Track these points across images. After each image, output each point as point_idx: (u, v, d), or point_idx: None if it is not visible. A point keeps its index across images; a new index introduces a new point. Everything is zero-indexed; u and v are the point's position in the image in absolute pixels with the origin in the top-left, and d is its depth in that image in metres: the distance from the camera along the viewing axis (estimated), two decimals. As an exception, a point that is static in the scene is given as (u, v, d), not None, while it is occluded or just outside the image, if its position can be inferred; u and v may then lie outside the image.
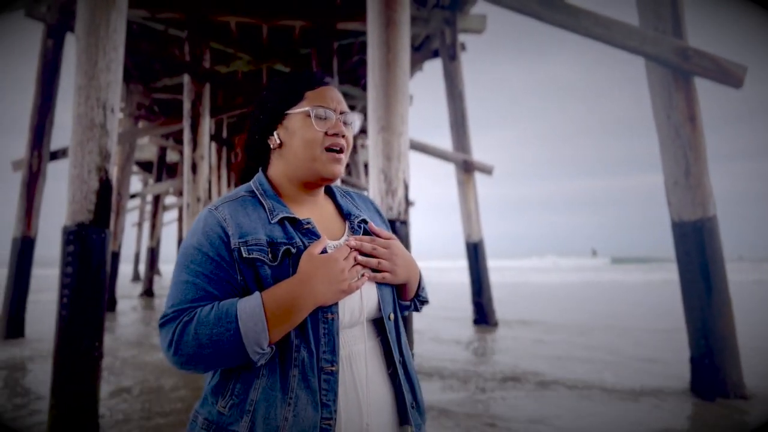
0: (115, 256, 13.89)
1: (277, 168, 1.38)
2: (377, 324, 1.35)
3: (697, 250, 5.13)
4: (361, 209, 1.47)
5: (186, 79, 10.23)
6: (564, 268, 44.68)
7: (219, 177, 17.31)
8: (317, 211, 1.38)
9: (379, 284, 1.32)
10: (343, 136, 1.35)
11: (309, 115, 1.32)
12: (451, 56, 10.83)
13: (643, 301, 16.76)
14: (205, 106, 10.30)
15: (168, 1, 9.91)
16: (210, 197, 16.30)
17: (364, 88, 13.40)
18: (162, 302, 16.41)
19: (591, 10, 5.08)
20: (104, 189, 4.57)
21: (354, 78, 13.14)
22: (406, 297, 1.41)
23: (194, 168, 10.09)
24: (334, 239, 1.34)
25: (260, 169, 1.41)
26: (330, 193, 1.46)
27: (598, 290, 21.79)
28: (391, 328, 1.34)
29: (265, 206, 1.30)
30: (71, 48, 12.38)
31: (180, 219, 27.72)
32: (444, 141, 12.07)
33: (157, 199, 20.01)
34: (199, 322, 1.18)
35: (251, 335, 1.15)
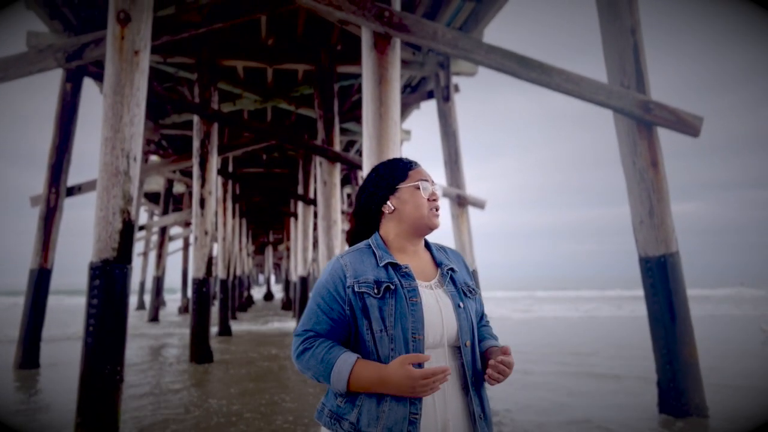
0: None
1: (387, 228, 1.83)
2: (458, 348, 1.72)
3: (661, 283, 5.64)
4: (452, 261, 1.87)
5: (195, 119, 10.88)
6: (559, 299, 44.85)
7: (225, 209, 17.88)
8: (417, 260, 1.81)
9: (459, 315, 1.71)
10: (437, 200, 1.85)
11: (418, 188, 1.81)
12: (445, 98, 11.47)
13: (617, 332, 17.16)
14: (213, 144, 10.92)
15: (180, 47, 10.59)
16: (216, 229, 16.85)
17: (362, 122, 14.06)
18: (167, 329, 16.88)
19: (562, 68, 5.68)
20: (127, 229, 5.13)
21: (355, 116, 13.79)
22: None
23: (202, 203, 10.66)
24: (426, 281, 1.76)
25: (375, 231, 1.85)
26: (428, 247, 1.89)
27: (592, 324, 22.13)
28: (467, 353, 1.70)
29: (376, 255, 1.74)
30: (87, 89, 13.09)
31: (186, 249, 28.29)
32: (441, 171, 12.64)
33: (163, 230, 20.56)
34: (312, 354, 1.66)
35: (335, 384, 1.62)
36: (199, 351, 10.35)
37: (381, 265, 1.72)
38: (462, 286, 1.80)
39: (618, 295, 46.62)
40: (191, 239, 10.87)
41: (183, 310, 25.74)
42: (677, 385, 5.55)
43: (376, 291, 1.66)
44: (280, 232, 40.94)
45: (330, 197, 10.63)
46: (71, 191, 10.85)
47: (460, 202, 11.37)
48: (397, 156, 5.65)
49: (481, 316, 1.95)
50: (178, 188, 23.93)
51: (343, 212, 18.35)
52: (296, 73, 12.54)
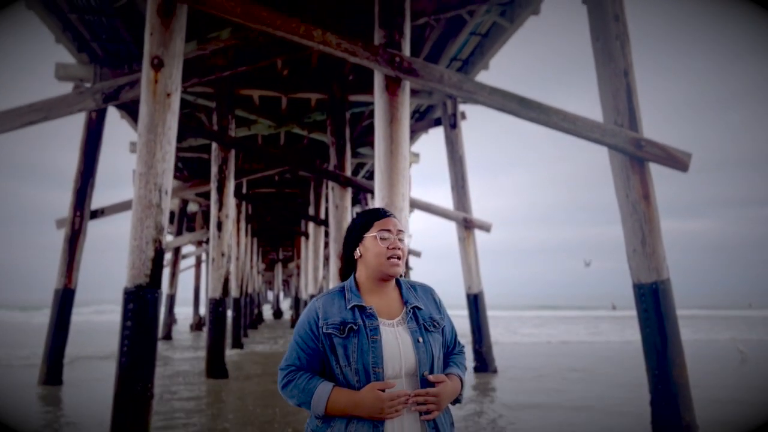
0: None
1: (360, 271, 2.06)
2: (417, 378, 1.93)
3: (653, 308, 6.02)
4: (419, 298, 2.07)
5: (213, 145, 11.40)
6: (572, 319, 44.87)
7: (238, 229, 18.38)
8: (385, 299, 2.03)
9: (418, 349, 1.93)
10: (399, 249, 2.03)
11: (376, 238, 2.03)
12: (452, 125, 11.95)
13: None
14: (231, 170, 11.43)
15: (195, 72, 11.12)
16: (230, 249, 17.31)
17: (373, 147, 14.56)
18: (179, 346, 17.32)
19: (559, 109, 6.13)
20: (158, 256, 5.58)
21: (365, 142, 14.29)
22: None
23: (219, 226, 11.15)
24: (390, 319, 1.99)
25: (353, 273, 2.10)
26: (399, 285, 2.10)
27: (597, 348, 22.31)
28: (425, 383, 1.93)
29: (346, 298, 2.00)
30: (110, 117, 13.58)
31: (198, 267, 28.81)
32: (449, 194, 13.05)
33: (177, 249, 21.06)
34: (295, 385, 1.94)
35: (315, 409, 1.90)
36: (215, 367, 10.76)
37: (348, 307, 1.97)
38: (424, 322, 2.01)
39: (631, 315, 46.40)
40: (209, 260, 11.31)
41: (195, 327, 26.17)
42: (669, 405, 5.91)
43: (340, 332, 1.93)
44: (289, 249, 41.38)
45: (341, 220, 11.06)
46: (95, 214, 11.35)
47: (467, 225, 11.80)
48: (405, 189, 6.12)
49: (454, 345, 2.14)
50: (191, 207, 24.50)
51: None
52: (309, 101, 13.06)
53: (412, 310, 2.02)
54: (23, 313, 48.89)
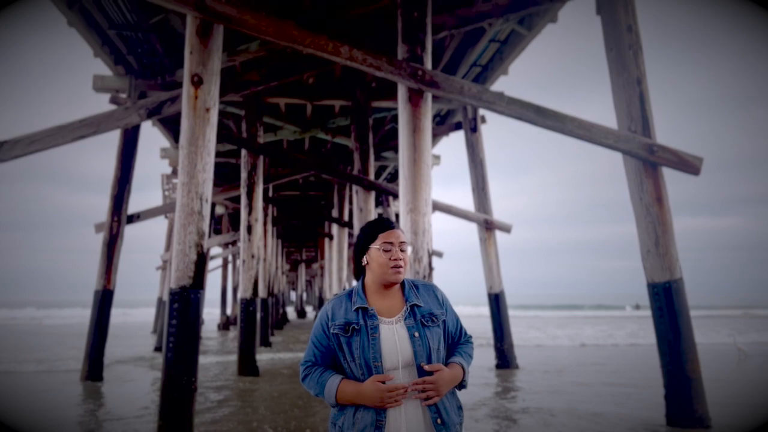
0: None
1: (367, 276, 2.29)
2: (415, 369, 2.14)
3: (667, 306, 6.31)
4: (420, 296, 2.26)
5: (243, 152, 11.88)
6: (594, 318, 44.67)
7: (265, 232, 18.89)
8: (388, 300, 2.25)
9: (414, 342, 2.14)
10: (401, 259, 2.24)
11: (380, 249, 2.24)
12: (472, 129, 12.28)
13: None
14: (259, 175, 11.90)
15: (231, 87, 11.63)
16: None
17: (395, 150, 14.92)
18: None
19: (574, 116, 6.44)
20: (200, 259, 6.02)
21: (388, 146, 14.68)
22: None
23: (249, 229, 11.62)
24: (390, 317, 2.21)
25: (361, 276, 2.33)
26: (403, 285, 2.30)
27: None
28: (423, 373, 2.13)
29: (352, 301, 2.25)
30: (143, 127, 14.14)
31: (224, 268, 29.50)
32: (470, 196, 13.38)
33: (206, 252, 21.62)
34: (311, 378, 2.23)
35: (327, 398, 2.16)
36: (247, 365, 11.23)
37: (353, 309, 2.21)
38: (422, 318, 2.21)
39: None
40: (240, 262, 11.79)
41: (222, 326, 26.81)
42: (682, 398, 6.20)
43: (345, 331, 2.18)
44: (312, 249, 41.99)
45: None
46: (131, 219, 11.91)
47: (488, 226, 12.12)
48: (428, 194, 6.49)
49: (459, 335, 2.34)
50: (218, 209, 25.09)
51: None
52: (333, 107, 13.49)
53: (410, 308, 2.22)
54: (59, 310, 50.19)
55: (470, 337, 2.39)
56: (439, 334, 2.22)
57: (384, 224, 2.29)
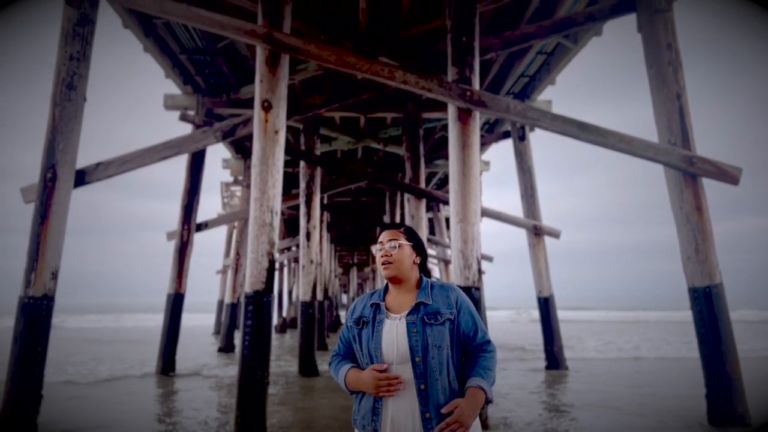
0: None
1: None
2: (410, 362, 2.27)
3: (707, 310, 6.62)
4: (432, 296, 2.37)
5: (302, 164, 12.63)
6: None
7: (321, 237, 19.69)
8: (400, 298, 2.41)
9: (410, 337, 2.26)
10: (388, 255, 2.41)
11: (374, 252, 2.49)
12: (520, 137, 12.67)
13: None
14: (317, 185, 12.63)
15: (295, 110, 12.39)
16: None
17: (445, 158, 15.42)
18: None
19: (616, 131, 6.82)
20: (271, 266, 6.70)
21: (438, 156, 15.22)
22: None
23: (308, 236, 12.35)
24: (397, 313, 2.35)
25: None
26: (420, 284, 2.44)
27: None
28: (418, 366, 2.24)
29: (372, 297, 2.47)
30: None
31: (281, 271, 30.52)
32: (519, 203, 13.74)
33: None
34: (333, 368, 2.47)
35: (341, 384, 2.39)
36: (307, 365, 11.93)
37: (370, 304, 2.43)
38: (425, 315, 2.30)
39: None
40: (299, 267, 12.53)
41: (279, 329, 27.79)
42: (723, 398, 6.50)
43: (357, 324, 2.42)
44: (363, 253, 42.75)
45: (417, 229, 12.01)
46: (200, 227, 12.82)
47: (537, 232, 12.48)
48: (477, 206, 6.99)
49: (474, 338, 2.35)
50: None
51: (428, 240, 19.68)
52: (385, 118, 14.10)
53: (416, 306, 2.35)
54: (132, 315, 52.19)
55: (489, 344, 2.38)
56: (444, 332, 2.28)
57: (378, 228, 2.55)
